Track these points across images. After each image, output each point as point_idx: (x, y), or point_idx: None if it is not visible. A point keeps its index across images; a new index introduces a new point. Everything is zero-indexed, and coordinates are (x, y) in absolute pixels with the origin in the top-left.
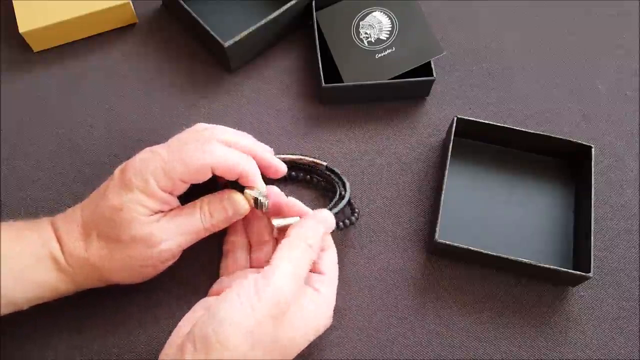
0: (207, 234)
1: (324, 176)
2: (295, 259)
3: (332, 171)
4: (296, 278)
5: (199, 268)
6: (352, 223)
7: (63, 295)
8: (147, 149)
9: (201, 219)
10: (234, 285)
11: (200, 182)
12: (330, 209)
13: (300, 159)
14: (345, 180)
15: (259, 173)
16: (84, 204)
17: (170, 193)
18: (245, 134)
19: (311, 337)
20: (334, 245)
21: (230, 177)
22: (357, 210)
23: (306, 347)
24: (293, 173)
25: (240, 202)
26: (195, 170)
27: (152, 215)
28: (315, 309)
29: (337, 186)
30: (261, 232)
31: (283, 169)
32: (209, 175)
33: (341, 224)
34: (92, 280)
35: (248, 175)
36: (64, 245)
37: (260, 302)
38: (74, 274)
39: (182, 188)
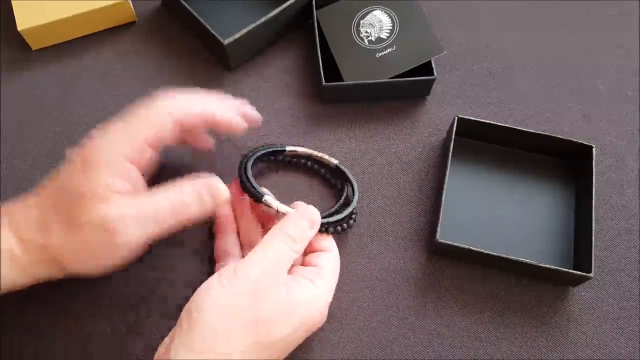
0: (175, 227)
1: (331, 174)
2: (272, 245)
3: (342, 172)
4: (273, 259)
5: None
6: (350, 227)
7: (17, 289)
8: (99, 127)
9: (169, 206)
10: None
11: (167, 142)
12: (333, 214)
13: (312, 154)
14: (355, 186)
15: (234, 115)
16: (38, 192)
17: (137, 165)
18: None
19: (299, 326)
20: (336, 250)
21: (200, 125)
22: (355, 212)
23: (306, 347)
24: (294, 159)
25: (220, 188)
26: (160, 126)
27: (115, 195)
28: (306, 297)
29: (344, 188)
30: (250, 233)
31: (243, 125)
32: (175, 132)
33: (339, 228)
34: (51, 271)
35: (222, 117)
36: (21, 236)
37: (236, 279)
38: (31, 265)
39: (148, 156)
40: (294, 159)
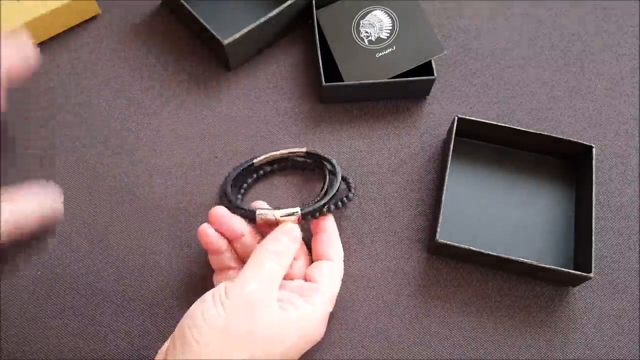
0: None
1: (306, 164)
2: (261, 264)
3: (314, 154)
4: (263, 278)
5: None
6: (350, 199)
7: None
8: None
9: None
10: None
11: None
12: (324, 196)
13: (278, 154)
14: (331, 159)
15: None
16: None
17: None
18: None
19: (294, 344)
20: (340, 260)
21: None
22: (352, 185)
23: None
24: (267, 168)
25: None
26: None
27: None
28: (300, 316)
29: (324, 169)
30: (247, 247)
31: None
32: None
33: (339, 202)
34: None
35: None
36: None
37: (228, 299)
38: None
39: None
40: (269, 168)
